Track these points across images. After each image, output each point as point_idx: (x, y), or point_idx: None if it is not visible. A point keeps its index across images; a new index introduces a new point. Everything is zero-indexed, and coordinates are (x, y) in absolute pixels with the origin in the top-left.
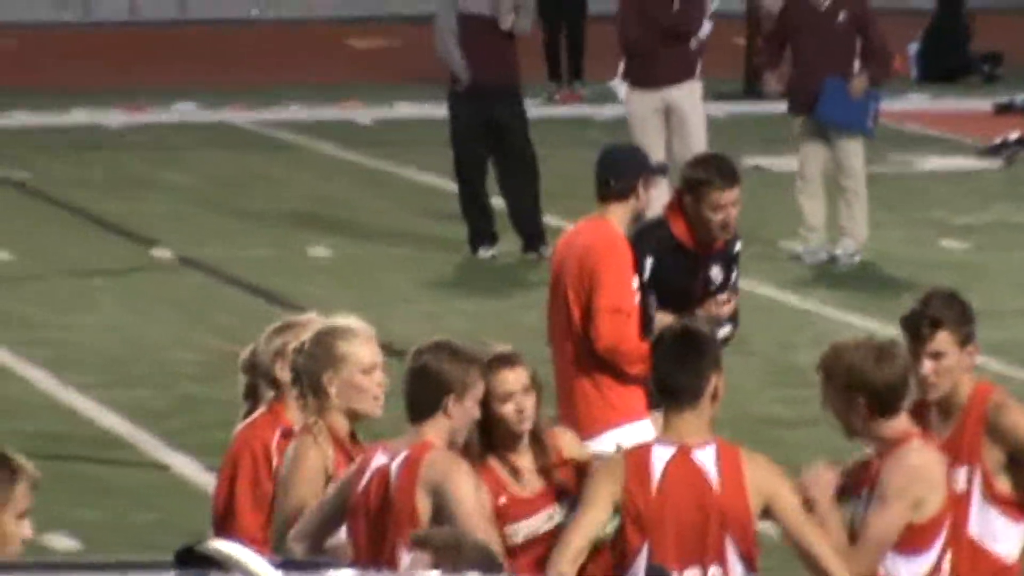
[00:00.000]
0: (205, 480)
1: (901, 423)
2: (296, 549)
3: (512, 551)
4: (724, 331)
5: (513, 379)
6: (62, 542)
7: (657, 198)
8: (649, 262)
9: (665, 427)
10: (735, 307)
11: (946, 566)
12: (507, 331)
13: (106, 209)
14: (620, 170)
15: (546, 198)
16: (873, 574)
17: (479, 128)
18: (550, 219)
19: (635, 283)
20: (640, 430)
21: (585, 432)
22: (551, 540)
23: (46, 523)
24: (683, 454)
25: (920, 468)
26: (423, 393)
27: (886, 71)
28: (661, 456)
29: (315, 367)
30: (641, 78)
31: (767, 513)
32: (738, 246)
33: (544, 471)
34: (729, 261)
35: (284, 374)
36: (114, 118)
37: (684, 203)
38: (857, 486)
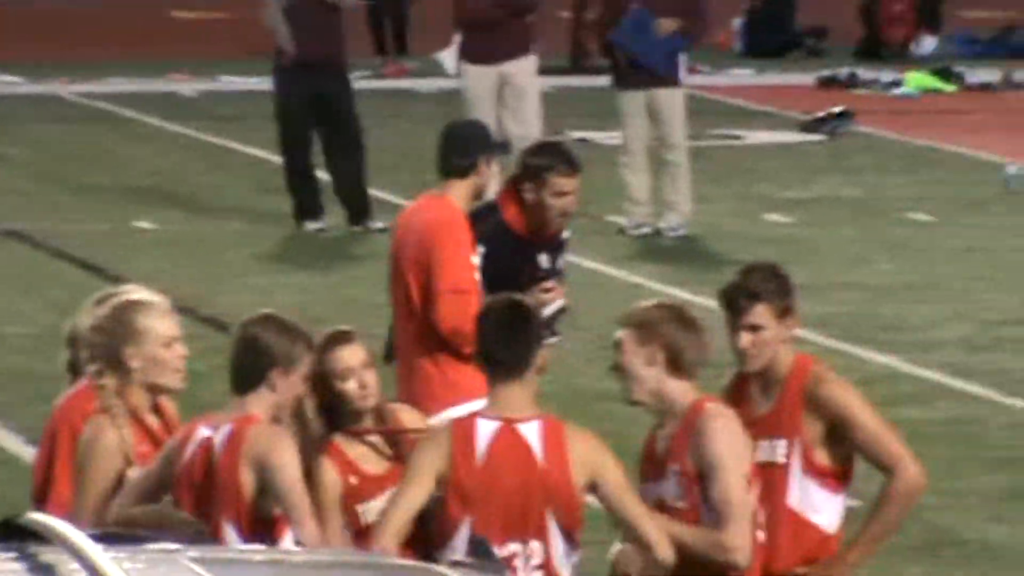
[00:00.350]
0: (27, 454)
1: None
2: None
3: (365, 531)
4: (551, 309)
5: (350, 355)
6: None
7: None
8: (480, 248)
9: (490, 400)
10: (561, 293)
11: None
12: (337, 305)
13: None
14: (463, 147)
15: (372, 171)
16: (750, 543)
17: (305, 102)
18: (376, 192)
19: (475, 260)
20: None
21: (426, 411)
22: None
23: None
24: (508, 428)
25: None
26: (249, 364)
27: (701, 27)
28: (486, 429)
29: (114, 342)
30: (479, 53)
31: (592, 488)
32: (567, 233)
33: (392, 447)
34: (558, 248)
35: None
36: None
37: (521, 189)
38: (659, 466)
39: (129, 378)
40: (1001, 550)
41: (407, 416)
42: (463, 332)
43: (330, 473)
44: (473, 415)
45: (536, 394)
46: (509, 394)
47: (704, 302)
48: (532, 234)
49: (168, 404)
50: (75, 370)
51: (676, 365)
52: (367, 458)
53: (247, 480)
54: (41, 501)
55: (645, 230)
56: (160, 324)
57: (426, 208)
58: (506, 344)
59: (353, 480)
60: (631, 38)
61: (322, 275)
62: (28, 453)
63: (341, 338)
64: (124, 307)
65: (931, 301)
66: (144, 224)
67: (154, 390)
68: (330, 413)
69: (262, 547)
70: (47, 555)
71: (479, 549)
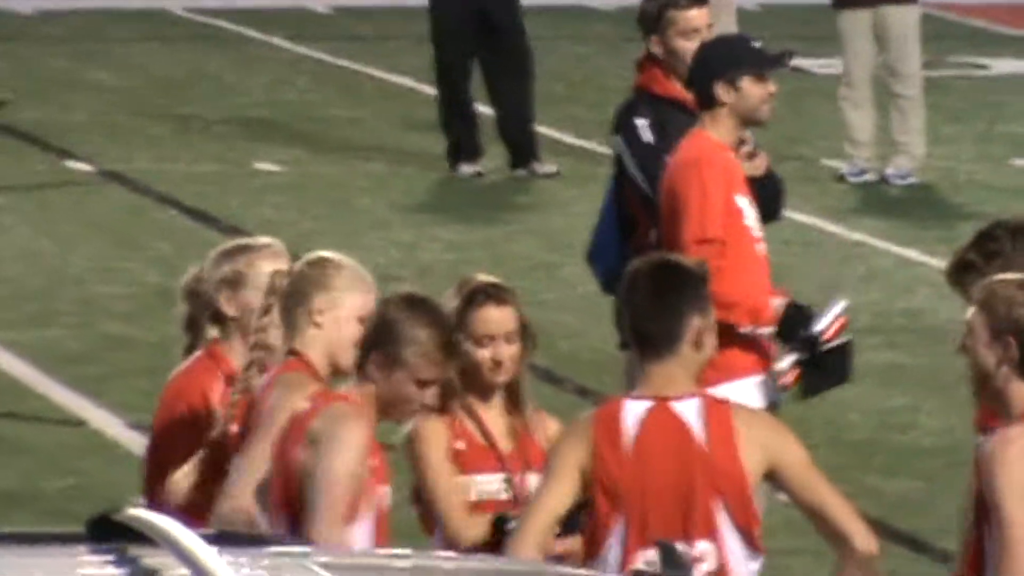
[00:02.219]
0: (128, 438)
1: None
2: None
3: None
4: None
5: (498, 319)
6: None
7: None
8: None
9: (641, 380)
10: (766, 159)
11: None
12: (496, 264)
13: (17, 115)
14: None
15: (540, 104)
16: None
17: (466, 19)
18: (545, 129)
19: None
20: (747, 387)
21: None
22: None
23: None
24: (661, 407)
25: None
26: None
27: None
28: (634, 411)
29: (293, 304)
30: None
31: (769, 475)
32: None
33: (516, 437)
34: None
35: (230, 308)
36: (26, 3)
37: (651, 49)
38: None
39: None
40: None
41: (552, 427)
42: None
43: (438, 428)
44: (619, 397)
45: (697, 372)
46: (661, 370)
47: (939, 264)
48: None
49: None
50: (194, 330)
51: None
52: (482, 432)
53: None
54: (152, 495)
55: (869, 177)
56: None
57: (684, 148)
58: (653, 312)
59: (460, 445)
60: None
61: (478, 228)
62: (126, 437)
63: (494, 296)
64: (313, 264)
65: None
66: (265, 165)
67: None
68: (463, 372)
69: (408, 551)
70: (150, 558)
71: (667, 556)
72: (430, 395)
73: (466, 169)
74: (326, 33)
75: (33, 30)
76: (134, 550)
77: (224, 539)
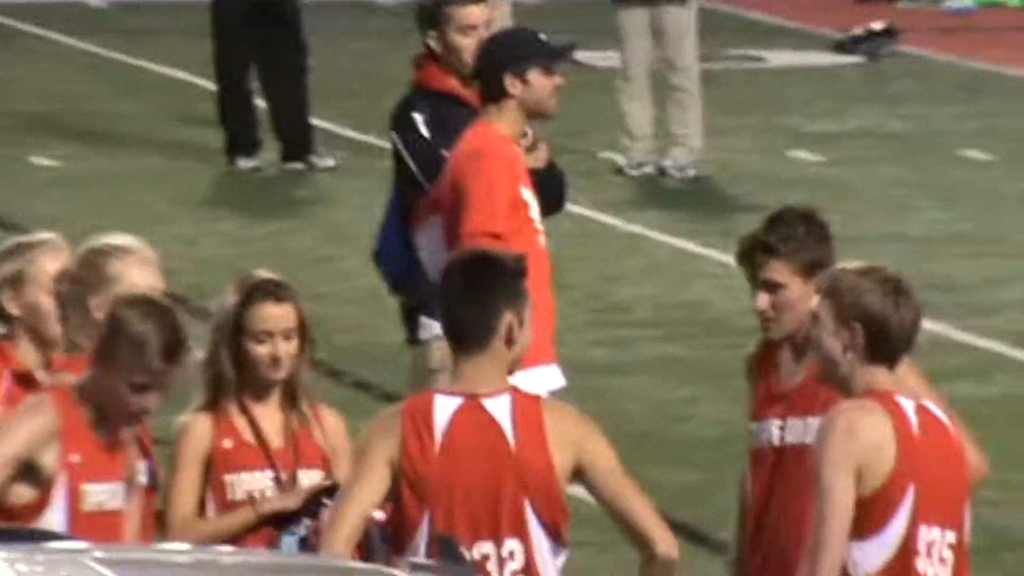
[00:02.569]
0: None
1: (885, 376)
2: None
3: (231, 506)
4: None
5: (277, 316)
6: None
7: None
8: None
9: (453, 376)
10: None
11: None
12: (276, 258)
13: None
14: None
15: (317, 98)
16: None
17: (247, 15)
18: (321, 123)
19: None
20: (541, 376)
21: None
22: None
23: None
24: (472, 405)
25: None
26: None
27: None
28: (445, 407)
29: (83, 292)
30: None
31: (577, 473)
32: None
33: (290, 435)
34: None
35: (13, 307)
36: None
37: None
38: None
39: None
40: None
41: (330, 422)
42: None
43: (201, 426)
44: (429, 391)
45: (509, 367)
46: (472, 367)
47: (718, 256)
48: (468, 88)
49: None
50: None
51: None
52: (254, 430)
53: None
54: None
55: (647, 169)
56: (137, 274)
57: (468, 140)
58: (467, 305)
59: (228, 444)
60: None
61: (259, 222)
62: None
63: (273, 293)
64: (96, 252)
65: (989, 256)
66: (42, 160)
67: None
68: (241, 369)
69: (187, 546)
70: None
71: (445, 549)
72: (151, 400)
73: (245, 163)
74: (102, 27)
75: None
76: None
77: (1, 536)
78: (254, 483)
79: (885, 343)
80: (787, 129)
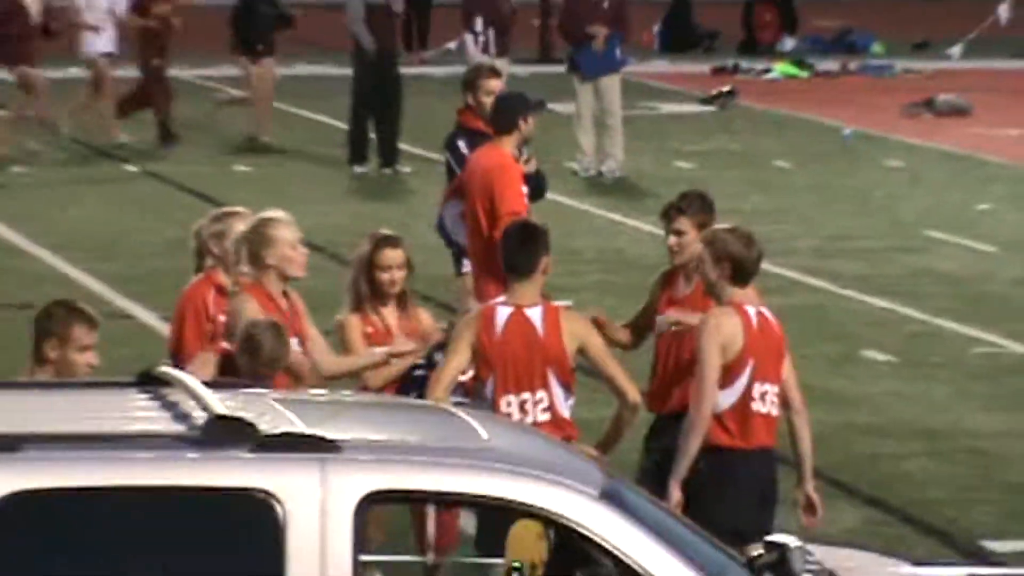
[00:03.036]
0: (159, 326)
1: (740, 293)
2: None
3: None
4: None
5: (394, 256)
6: None
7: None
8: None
9: (507, 292)
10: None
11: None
12: (376, 225)
13: (93, 137)
14: (505, 111)
15: (403, 130)
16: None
17: (371, 84)
18: (404, 145)
19: (524, 190)
20: None
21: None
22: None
23: None
24: (519, 311)
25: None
26: None
27: (628, 27)
28: (503, 313)
29: (255, 247)
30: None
31: (581, 352)
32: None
33: (402, 324)
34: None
35: (218, 250)
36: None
37: (466, 100)
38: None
39: (268, 270)
40: (841, 395)
41: (423, 315)
42: None
43: (354, 320)
44: (493, 304)
45: (541, 288)
46: (520, 288)
47: (632, 222)
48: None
49: (293, 291)
50: (199, 267)
51: None
52: (383, 321)
53: None
54: (175, 359)
55: (591, 173)
56: (288, 232)
57: (486, 155)
58: (519, 253)
59: (369, 329)
60: (583, 58)
61: (366, 203)
62: (158, 324)
63: (391, 241)
64: (262, 222)
65: (789, 223)
66: (240, 167)
67: (284, 278)
68: (371, 287)
69: (326, 391)
70: (172, 395)
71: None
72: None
73: (359, 169)
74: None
75: None
76: (163, 390)
77: (215, 384)
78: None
79: (741, 273)
80: (672, 149)
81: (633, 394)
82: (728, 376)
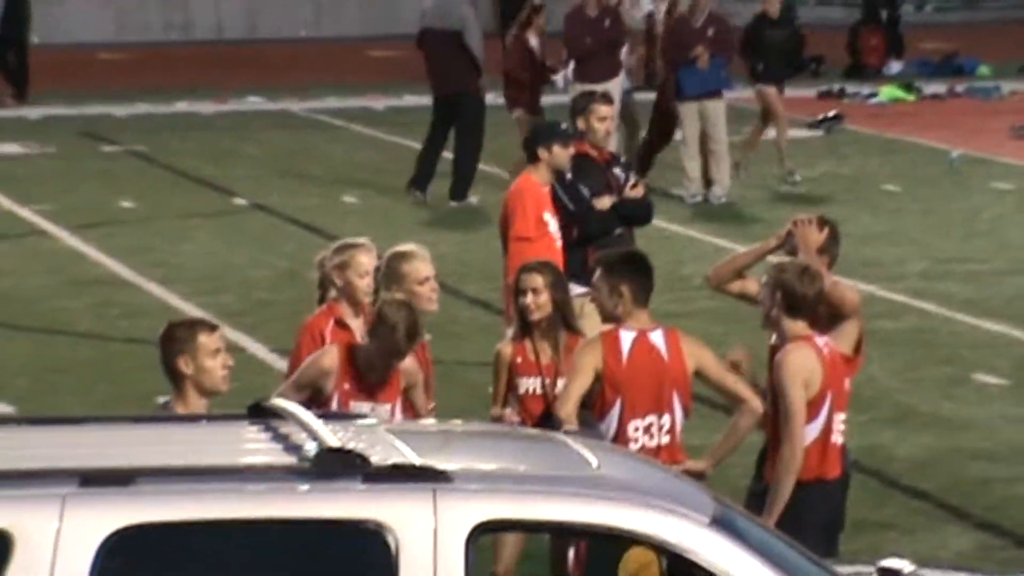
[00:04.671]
0: (269, 358)
1: (800, 326)
2: None
3: (520, 399)
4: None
5: (531, 279)
6: None
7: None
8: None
9: (627, 318)
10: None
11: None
12: (489, 255)
13: (201, 171)
14: (533, 141)
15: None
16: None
17: (450, 116)
18: (483, 166)
19: (546, 216)
20: None
21: None
22: (542, 403)
23: None
24: (643, 336)
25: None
26: None
27: (732, 51)
28: (627, 338)
29: (386, 281)
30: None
31: (697, 373)
32: (623, 158)
33: (550, 355)
34: (620, 162)
35: (339, 281)
36: (207, 107)
37: (577, 126)
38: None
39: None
40: (951, 419)
41: (573, 342)
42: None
43: (506, 350)
44: (615, 328)
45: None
46: (641, 314)
47: (742, 250)
48: (599, 153)
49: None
50: (322, 298)
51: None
52: (533, 351)
53: None
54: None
55: (698, 199)
56: (419, 266)
57: (515, 183)
58: (647, 281)
59: (519, 360)
60: (686, 79)
61: (472, 234)
62: (268, 357)
63: (534, 268)
64: (393, 257)
65: (898, 247)
66: (348, 199)
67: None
68: (519, 316)
69: (434, 422)
70: (283, 427)
71: (585, 419)
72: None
73: (418, 197)
74: (381, 121)
75: (211, 123)
76: (274, 423)
77: (327, 416)
78: (530, 384)
79: (794, 307)
80: (779, 174)
81: (755, 401)
82: (811, 411)
